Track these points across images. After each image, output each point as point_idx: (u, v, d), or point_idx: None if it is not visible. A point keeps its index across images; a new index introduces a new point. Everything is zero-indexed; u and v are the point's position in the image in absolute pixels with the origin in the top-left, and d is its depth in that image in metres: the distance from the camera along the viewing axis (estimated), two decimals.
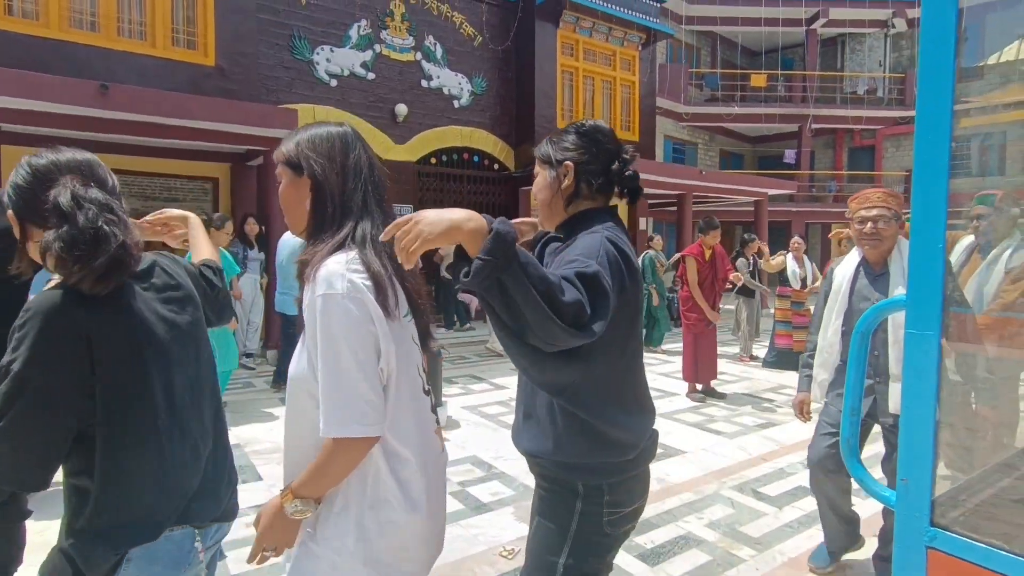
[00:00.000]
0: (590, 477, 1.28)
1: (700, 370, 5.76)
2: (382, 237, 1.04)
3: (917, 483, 0.90)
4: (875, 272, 2.51)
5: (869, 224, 2.45)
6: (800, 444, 4.41)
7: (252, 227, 7.06)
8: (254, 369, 6.75)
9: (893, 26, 17.21)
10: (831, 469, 2.54)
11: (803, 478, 3.76)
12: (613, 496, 1.29)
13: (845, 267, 2.60)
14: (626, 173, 1.37)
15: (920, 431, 0.89)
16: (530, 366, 1.13)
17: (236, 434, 4.46)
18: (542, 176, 1.38)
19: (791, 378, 6.85)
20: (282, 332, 5.88)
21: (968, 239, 2.78)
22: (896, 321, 2.33)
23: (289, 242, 5.57)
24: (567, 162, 1.34)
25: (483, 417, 5.08)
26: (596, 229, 1.27)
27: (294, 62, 8.63)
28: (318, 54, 8.82)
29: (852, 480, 2.57)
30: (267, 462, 3.92)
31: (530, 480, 3.68)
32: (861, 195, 2.53)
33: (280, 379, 5.94)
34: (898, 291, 2.35)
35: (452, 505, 3.31)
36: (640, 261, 6.31)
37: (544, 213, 1.41)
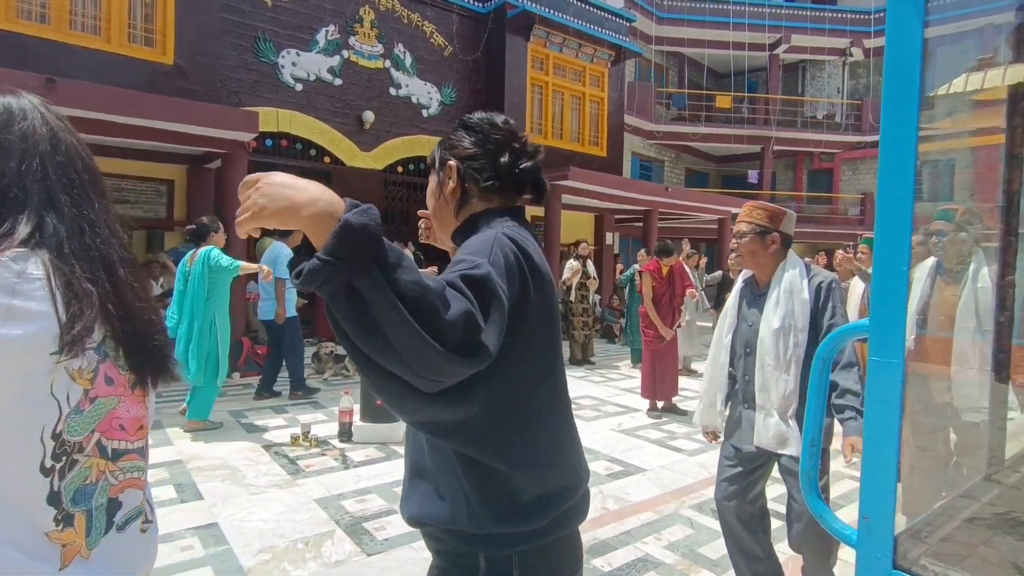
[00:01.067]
0: (495, 547, 0.97)
1: (660, 387, 5.74)
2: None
3: (879, 521, 0.84)
4: (758, 291, 2.31)
5: (734, 240, 2.33)
6: None
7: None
8: None
9: (851, 55, 17.91)
10: (735, 511, 2.36)
11: None
12: (527, 571, 0.99)
13: (738, 283, 2.46)
14: (521, 166, 1.14)
15: (882, 465, 0.84)
16: (403, 401, 0.82)
17: (179, 449, 4.23)
18: (430, 182, 1.19)
19: None
20: (271, 338, 5.83)
21: (930, 261, 2.80)
22: (765, 345, 2.16)
23: (276, 248, 5.49)
24: (449, 162, 1.13)
25: None
26: (493, 226, 1.06)
27: (258, 64, 8.42)
28: (283, 57, 8.64)
29: (765, 523, 2.40)
30: (208, 479, 3.71)
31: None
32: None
33: (264, 389, 5.77)
34: (775, 315, 2.15)
35: (405, 526, 3.18)
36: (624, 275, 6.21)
37: (436, 224, 1.20)
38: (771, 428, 2.16)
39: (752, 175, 17.72)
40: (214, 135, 6.51)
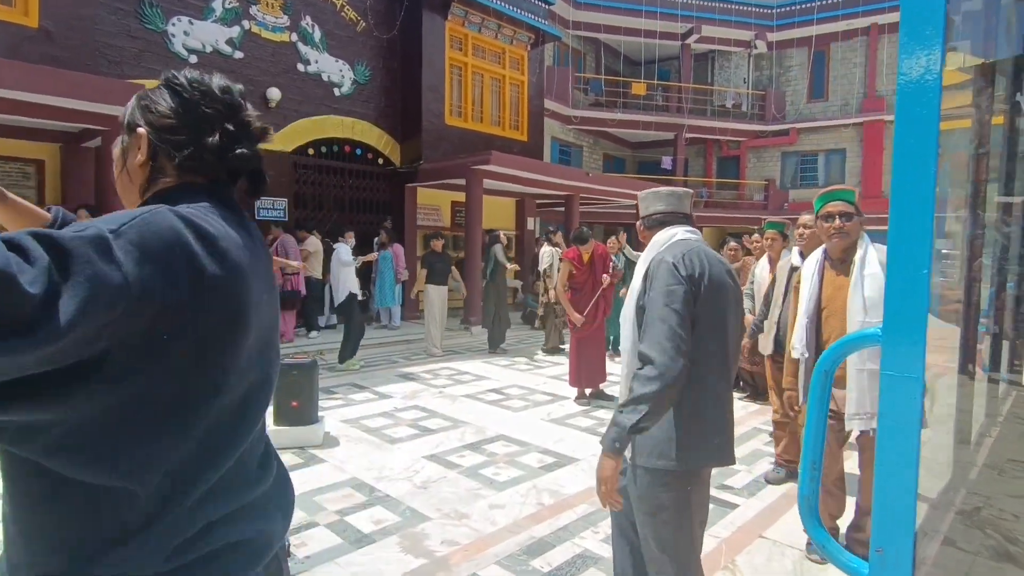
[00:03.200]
0: None
1: (586, 374, 5.70)
2: None
3: (895, 554, 0.74)
4: None
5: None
6: None
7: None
8: None
9: (755, 47, 18.80)
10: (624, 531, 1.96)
11: None
12: None
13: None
14: (236, 151, 0.89)
15: (899, 492, 0.73)
16: None
17: None
18: (115, 145, 0.96)
19: None
20: None
21: (817, 253, 2.80)
22: (625, 330, 1.79)
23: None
24: (139, 128, 0.89)
25: (365, 431, 4.67)
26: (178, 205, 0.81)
27: (143, 32, 7.55)
28: (173, 25, 7.80)
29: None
30: None
31: (419, 502, 3.41)
32: None
33: None
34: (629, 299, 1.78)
35: (329, 540, 2.92)
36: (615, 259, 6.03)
37: (122, 198, 0.96)
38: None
39: (666, 161, 18.27)
40: (89, 109, 5.76)
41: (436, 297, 7.68)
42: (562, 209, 12.62)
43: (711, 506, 3.33)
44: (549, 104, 15.27)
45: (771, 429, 4.06)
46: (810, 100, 18.90)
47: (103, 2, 7.16)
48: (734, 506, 3.40)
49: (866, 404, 2.35)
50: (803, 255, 3.38)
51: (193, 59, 7.99)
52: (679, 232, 1.84)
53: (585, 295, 5.70)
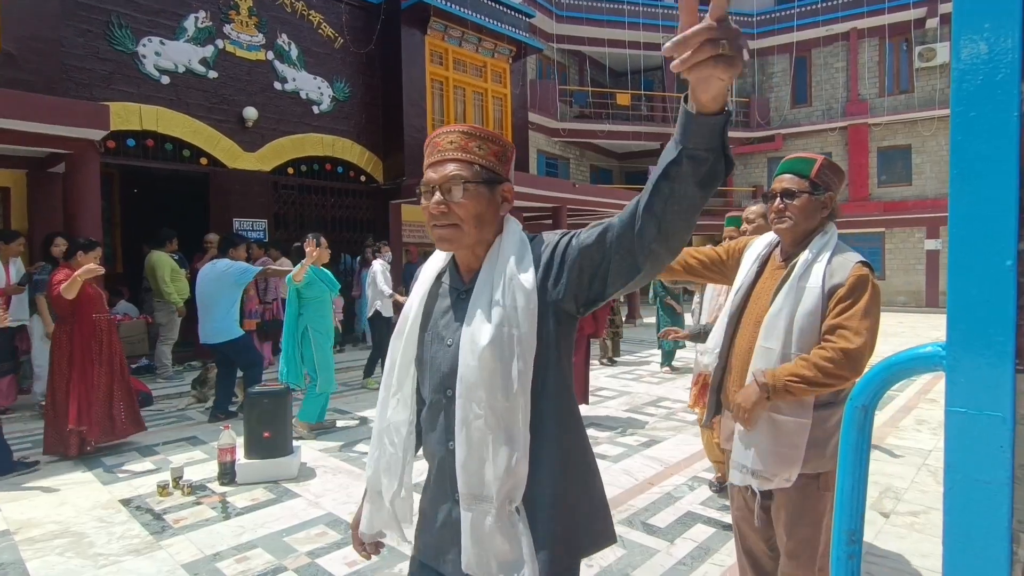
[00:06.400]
0: None
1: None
2: None
3: None
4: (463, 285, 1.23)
5: None
6: (682, 463, 4.27)
7: (60, 249, 5.78)
8: None
9: None
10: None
11: (689, 502, 3.58)
12: None
13: None
14: None
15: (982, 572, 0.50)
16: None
17: (6, 516, 3.41)
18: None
19: (669, 390, 6.87)
20: (219, 360, 5.54)
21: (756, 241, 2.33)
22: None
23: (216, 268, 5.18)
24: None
25: (344, 460, 4.40)
26: None
27: (113, 53, 7.35)
28: (144, 46, 7.61)
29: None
30: (42, 553, 2.97)
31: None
32: None
33: (220, 409, 5.44)
34: (479, 320, 1.09)
35: None
36: None
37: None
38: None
39: (652, 171, 18.22)
40: (52, 132, 5.53)
41: None
42: (550, 221, 12.45)
43: (714, 530, 3.07)
44: (534, 117, 15.18)
45: None
46: (794, 106, 18.95)
47: (70, 24, 6.96)
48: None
49: (749, 456, 1.81)
50: None
51: (165, 80, 7.79)
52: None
53: None
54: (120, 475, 4.10)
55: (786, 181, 1.85)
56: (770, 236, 2.01)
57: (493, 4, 11.43)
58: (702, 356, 3.61)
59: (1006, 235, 0.48)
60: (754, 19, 18.53)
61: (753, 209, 3.23)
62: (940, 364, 0.53)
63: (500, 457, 1.05)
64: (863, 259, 1.76)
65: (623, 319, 9.51)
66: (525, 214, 13.38)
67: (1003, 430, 0.49)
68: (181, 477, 3.81)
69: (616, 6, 17.45)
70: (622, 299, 8.47)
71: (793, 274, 1.78)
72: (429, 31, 10.47)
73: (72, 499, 3.66)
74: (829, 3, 17.63)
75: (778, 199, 1.85)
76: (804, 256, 1.79)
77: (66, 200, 6.29)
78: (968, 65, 0.50)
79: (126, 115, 7.30)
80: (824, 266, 1.74)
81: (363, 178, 10.31)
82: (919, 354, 0.55)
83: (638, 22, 17.43)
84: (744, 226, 3.25)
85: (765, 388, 1.70)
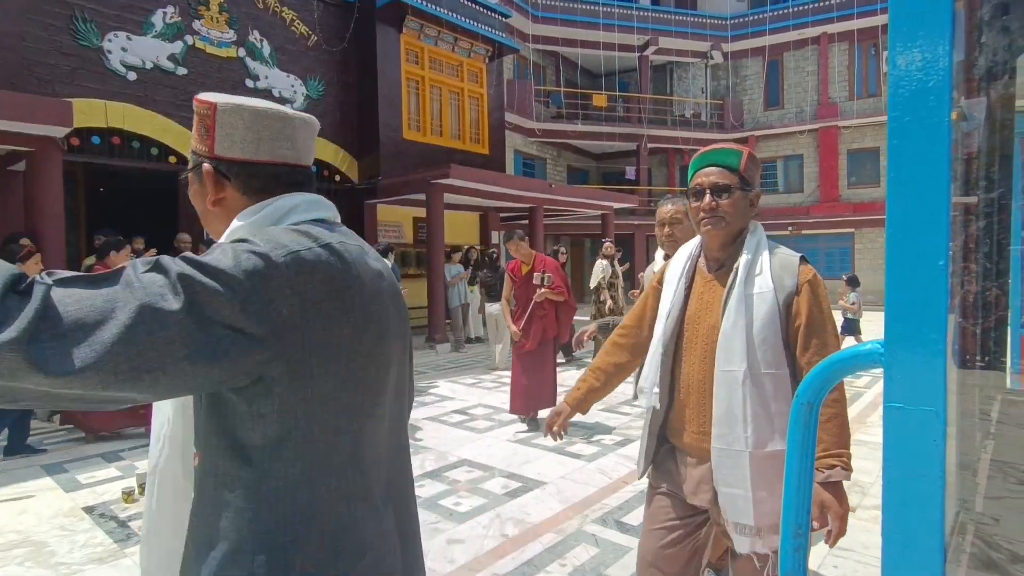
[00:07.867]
0: None
1: (521, 396, 5.10)
2: None
3: None
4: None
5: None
6: None
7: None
8: None
9: (711, 57, 19.14)
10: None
11: None
12: None
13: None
14: None
15: (917, 565, 0.52)
16: None
17: None
18: None
19: None
20: None
21: (658, 253, 2.08)
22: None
23: None
24: None
25: None
26: None
27: (77, 48, 7.16)
28: (110, 41, 7.42)
29: None
30: (2, 563, 2.88)
31: None
32: None
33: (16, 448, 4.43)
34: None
35: None
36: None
37: None
38: None
39: (629, 171, 18.38)
40: (12, 129, 5.36)
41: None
42: (526, 222, 12.47)
43: None
44: (511, 117, 15.20)
45: None
46: (767, 108, 19.29)
47: (32, 17, 6.76)
48: None
49: (747, 511, 1.47)
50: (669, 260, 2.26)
51: (132, 76, 7.61)
52: None
53: (519, 309, 5.32)
54: (84, 482, 3.99)
55: (715, 175, 1.56)
56: (690, 248, 1.73)
57: (469, 3, 11.42)
58: (640, 395, 2.61)
59: (938, 236, 0.50)
60: (728, 23, 18.82)
61: (668, 209, 2.65)
62: (879, 361, 0.54)
63: None
64: (800, 255, 1.57)
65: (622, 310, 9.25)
66: (502, 215, 13.39)
67: (936, 424, 0.50)
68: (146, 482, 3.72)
69: (590, 7, 17.57)
70: (622, 300, 8.37)
71: (736, 282, 1.52)
72: (404, 30, 10.41)
73: (33, 507, 3.56)
74: (801, 8, 18.00)
75: (708, 196, 1.56)
76: (743, 259, 1.53)
77: (27, 199, 6.10)
78: (903, 72, 0.51)
79: (91, 112, 7.11)
80: (768, 268, 1.51)
81: (337, 177, 10.21)
82: (860, 352, 0.57)
83: (613, 24, 17.56)
84: (658, 231, 2.71)
85: (844, 471, 1.43)
